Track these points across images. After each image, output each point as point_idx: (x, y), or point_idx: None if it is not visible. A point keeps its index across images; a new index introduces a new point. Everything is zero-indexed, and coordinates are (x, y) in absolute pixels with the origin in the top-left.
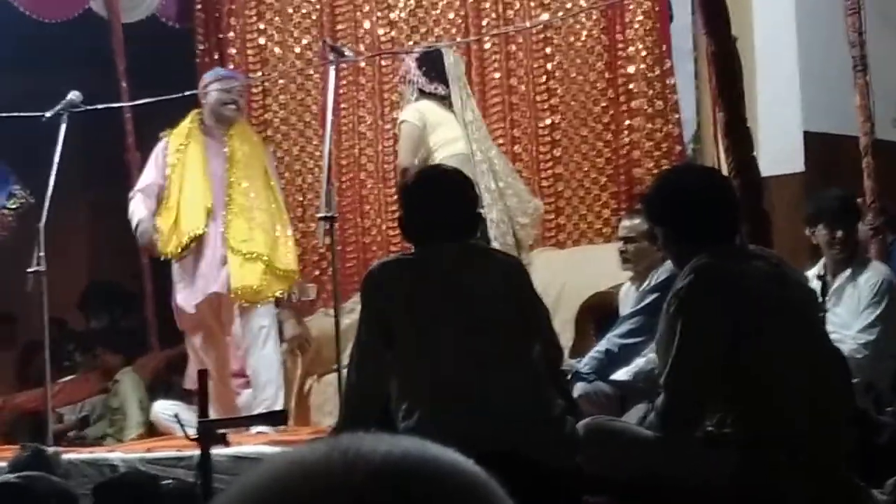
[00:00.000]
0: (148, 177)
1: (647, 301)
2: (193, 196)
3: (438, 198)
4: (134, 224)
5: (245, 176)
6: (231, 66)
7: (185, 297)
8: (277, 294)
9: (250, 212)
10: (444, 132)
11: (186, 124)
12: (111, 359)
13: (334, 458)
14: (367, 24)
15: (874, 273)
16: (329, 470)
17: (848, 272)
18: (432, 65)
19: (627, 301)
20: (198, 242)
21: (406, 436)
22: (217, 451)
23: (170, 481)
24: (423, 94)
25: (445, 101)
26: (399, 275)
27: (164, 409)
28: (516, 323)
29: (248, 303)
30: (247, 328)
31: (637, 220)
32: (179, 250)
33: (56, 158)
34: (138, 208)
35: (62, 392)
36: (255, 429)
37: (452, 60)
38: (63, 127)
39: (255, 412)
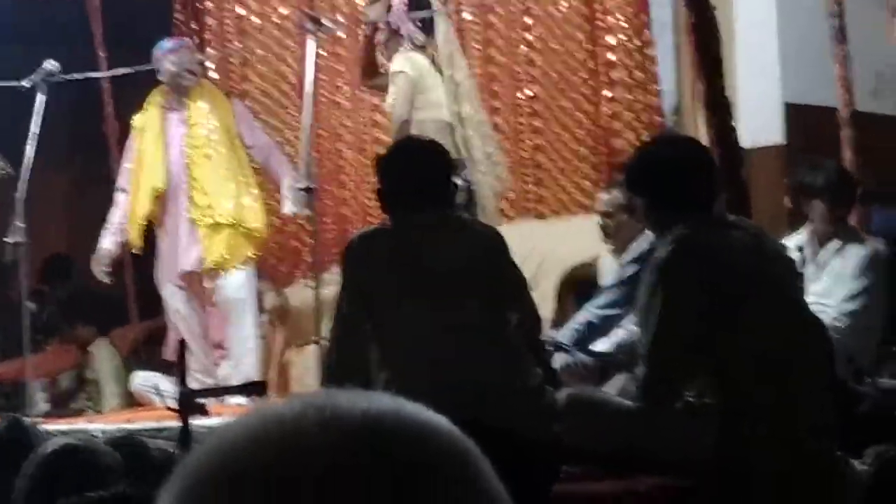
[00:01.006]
0: (124, 167)
1: (626, 272)
2: (146, 180)
3: (414, 168)
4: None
5: (206, 142)
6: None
7: (161, 274)
8: (249, 255)
9: (212, 176)
10: (431, 94)
11: (146, 108)
12: (84, 331)
13: (309, 415)
14: None
15: (864, 246)
16: (304, 428)
17: (836, 244)
18: (422, 17)
19: (608, 273)
20: (163, 222)
21: (385, 394)
22: (197, 421)
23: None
24: (415, 47)
25: (428, 53)
26: (378, 245)
27: (143, 380)
28: (494, 293)
29: (219, 271)
30: (222, 300)
31: (614, 194)
32: (138, 240)
33: (34, 129)
34: (110, 218)
35: (40, 363)
36: (232, 400)
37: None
38: (40, 97)
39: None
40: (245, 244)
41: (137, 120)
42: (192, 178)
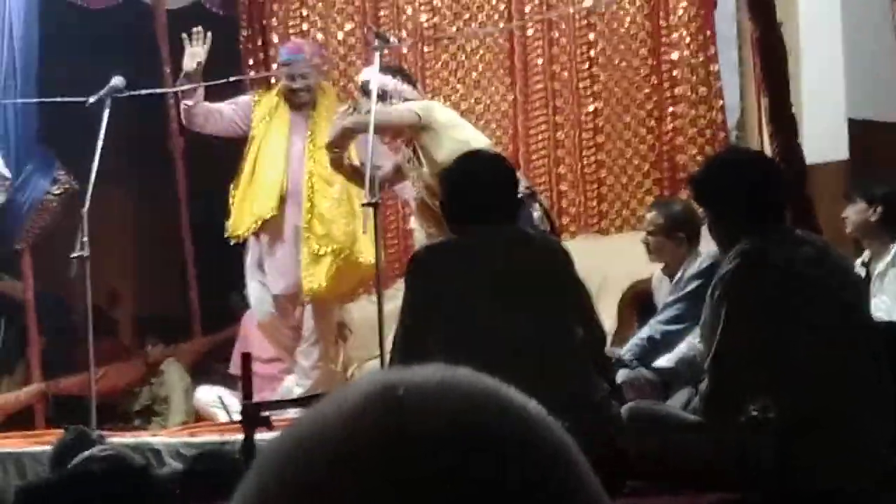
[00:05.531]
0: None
1: (689, 287)
2: (269, 176)
3: (481, 181)
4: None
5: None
6: (273, 54)
7: (258, 289)
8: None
9: (328, 200)
10: None
11: (274, 95)
12: (152, 349)
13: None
14: (409, 10)
15: None
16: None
17: (889, 258)
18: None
19: (660, 290)
20: (272, 230)
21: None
22: (261, 435)
23: None
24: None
25: None
26: (444, 258)
27: (207, 394)
28: (560, 306)
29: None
30: (312, 322)
31: (653, 213)
32: (248, 232)
33: (99, 144)
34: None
35: (105, 377)
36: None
37: None
38: (106, 112)
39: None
40: (350, 277)
41: (261, 104)
42: (312, 202)
